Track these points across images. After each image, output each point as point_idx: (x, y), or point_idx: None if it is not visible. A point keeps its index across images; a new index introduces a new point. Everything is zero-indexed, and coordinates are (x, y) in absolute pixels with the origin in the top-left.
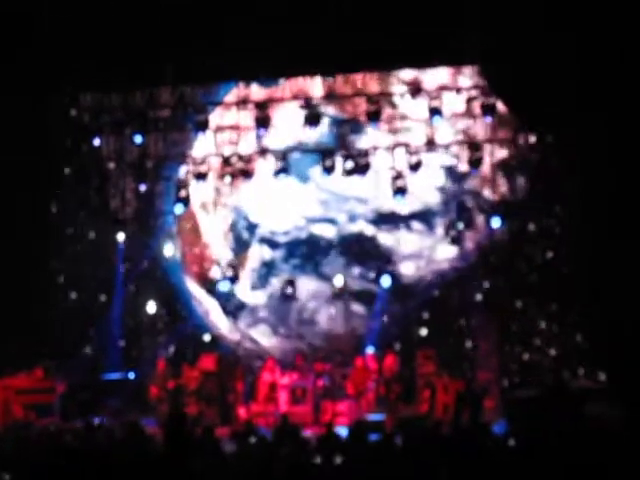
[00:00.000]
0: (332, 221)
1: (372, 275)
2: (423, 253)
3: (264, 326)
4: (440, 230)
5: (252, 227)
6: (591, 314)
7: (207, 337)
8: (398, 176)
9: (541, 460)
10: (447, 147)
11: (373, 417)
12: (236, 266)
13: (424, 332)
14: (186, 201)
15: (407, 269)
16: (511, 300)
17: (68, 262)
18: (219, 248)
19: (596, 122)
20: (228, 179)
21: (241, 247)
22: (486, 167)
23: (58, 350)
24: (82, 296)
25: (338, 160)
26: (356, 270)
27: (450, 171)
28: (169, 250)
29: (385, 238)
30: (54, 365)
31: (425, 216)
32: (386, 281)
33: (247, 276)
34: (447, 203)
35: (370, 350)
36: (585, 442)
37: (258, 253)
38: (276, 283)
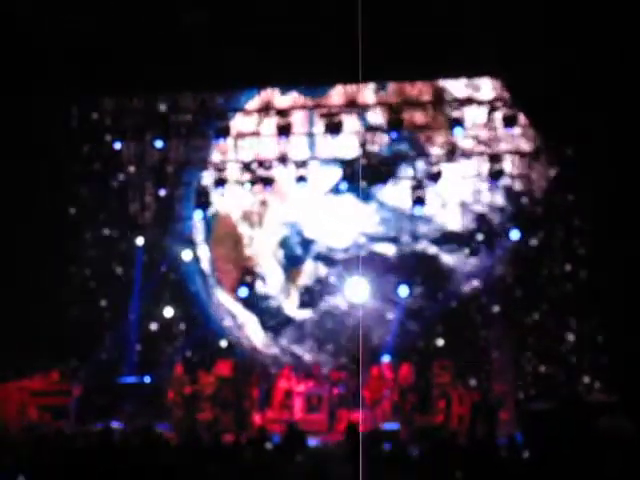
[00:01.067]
0: (393, 239)
1: (431, 294)
2: (483, 272)
3: (310, 342)
4: (499, 251)
5: (307, 243)
6: (609, 328)
7: (224, 343)
8: (418, 186)
9: (555, 472)
10: (469, 157)
11: (388, 426)
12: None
13: (441, 343)
14: (206, 207)
15: (468, 288)
16: (528, 312)
17: (86, 265)
18: (265, 262)
19: (617, 134)
20: (248, 186)
21: (293, 263)
22: (507, 179)
23: (75, 353)
24: (100, 299)
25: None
26: (416, 289)
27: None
28: (187, 255)
29: (447, 258)
30: (71, 368)
31: (487, 236)
32: (404, 291)
33: (297, 292)
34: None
35: (386, 359)
36: (599, 455)
37: (312, 270)
38: (330, 300)
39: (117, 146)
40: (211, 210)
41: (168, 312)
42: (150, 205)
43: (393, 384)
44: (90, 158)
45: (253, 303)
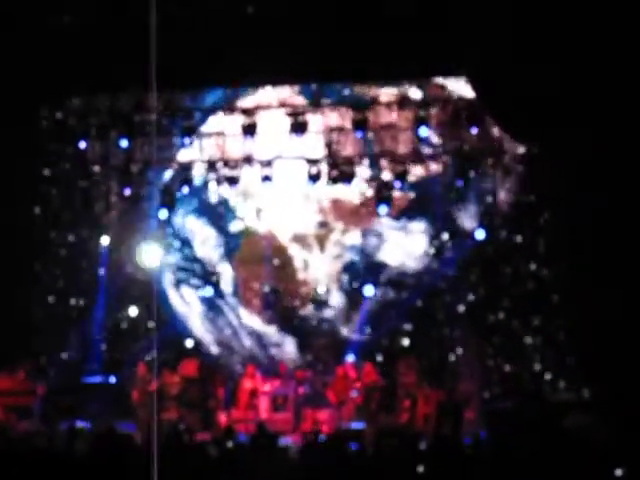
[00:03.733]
0: None
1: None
2: (448, 271)
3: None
4: (464, 250)
5: (375, 267)
6: (574, 326)
7: (189, 343)
8: (383, 186)
9: (519, 471)
10: (433, 157)
11: (354, 426)
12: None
13: (406, 342)
14: (170, 206)
15: (433, 287)
16: (494, 311)
17: (51, 265)
18: (323, 287)
19: (584, 133)
20: (214, 185)
21: (357, 288)
22: (472, 178)
23: (39, 353)
24: (64, 299)
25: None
26: (381, 288)
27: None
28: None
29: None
30: (34, 367)
31: (452, 234)
32: (369, 291)
33: (358, 317)
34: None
35: (350, 358)
36: (564, 454)
37: (379, 294)
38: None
39: (82, 145)
40: (236, 226)
41: (132, 311)
42: (115, 204)
43: (358, 384)
44: (55, 157)
45: (293, 324)
